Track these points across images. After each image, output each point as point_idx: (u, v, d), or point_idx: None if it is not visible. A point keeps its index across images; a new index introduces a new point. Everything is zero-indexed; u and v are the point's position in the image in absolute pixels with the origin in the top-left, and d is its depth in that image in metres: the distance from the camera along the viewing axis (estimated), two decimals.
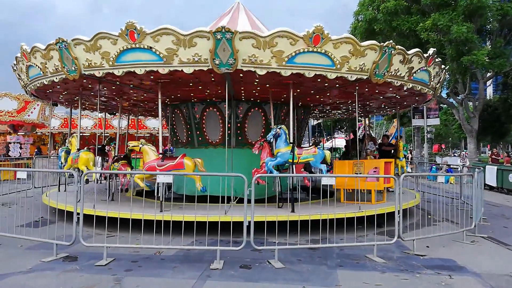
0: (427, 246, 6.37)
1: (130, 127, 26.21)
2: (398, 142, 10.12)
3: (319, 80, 7.13)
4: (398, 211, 5.84)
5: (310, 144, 12.27)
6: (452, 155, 37.14)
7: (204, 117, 10.02)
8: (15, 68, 9.17)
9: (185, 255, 5.83)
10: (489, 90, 39.91)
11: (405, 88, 7.86)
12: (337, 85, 7.96)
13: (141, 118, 21.75)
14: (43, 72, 7.92)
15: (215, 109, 9.91)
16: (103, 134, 13.36)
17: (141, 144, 8.21)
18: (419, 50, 7.61)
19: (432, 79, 8.41)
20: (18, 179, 6.64)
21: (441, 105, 28.23)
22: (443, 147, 56.92)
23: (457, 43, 18.51)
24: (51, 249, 5.68)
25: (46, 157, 18.27)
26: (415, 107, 16.62)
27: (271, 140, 7.79)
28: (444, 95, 26.10)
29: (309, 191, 8.25)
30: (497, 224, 8.65)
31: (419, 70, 7.74)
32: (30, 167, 14.59)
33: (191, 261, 5.56)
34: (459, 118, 24.41)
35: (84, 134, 23.54)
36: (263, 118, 9.82)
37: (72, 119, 27.12)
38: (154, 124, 25.33)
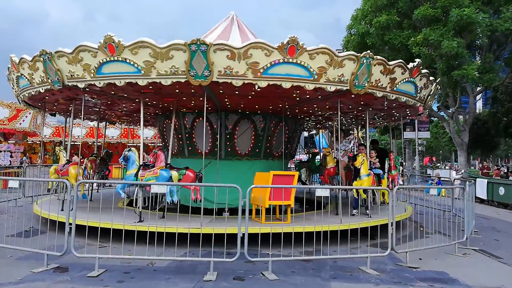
0: (420, 259, 6.40)
1: (122, 137, 26.22)
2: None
3: (298, 91, 7.10)
4: (392, 223, 5.87)
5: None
6: (444, 168, 37.50)
7: (194, 128, 10.05)
8: (8, 77, 9.17)
9: (178, 267, 5.78)
10: (479, 104, 40.52)
11: (390, 99, 7.83)
12: (320, 96, 7.96)
13: (134, 127, 21.66)
14: (30, 83, 8.03)
15: (203, 120, 9.86)
16: (95, 143, 13.29)
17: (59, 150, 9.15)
18: (402, 61, 7.62)
19: (419, 91, 8.44)
20: (10, 188, 6.56)
21: (432, 118, 28.61)
22: (434, 159, 57.50)
23: (448, 57, 18.85)
24: (41, 260, 5.59)
25: (36, 166, 18.07)
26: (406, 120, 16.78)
27: (121, 162, 7.98)
28: (435, 108, 26.48)
29: (302, 203, 8.30)
30: (488, 237, 8.72)
31: (402, 81, 7.71)
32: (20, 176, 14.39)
33: (184, 273, 5.51)
34: (449, 131, 24.73)
35: (75, 142, 23.36)
36: (253, 129, 9.84)
37: (63, 128, 26.93)
38: (147, 133, 25.25)
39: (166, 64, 6.41)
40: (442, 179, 18.57)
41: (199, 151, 9.91)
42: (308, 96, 7.93)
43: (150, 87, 7.07)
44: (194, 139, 10.06)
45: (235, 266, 5.66)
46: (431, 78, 8.96)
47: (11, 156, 17.15)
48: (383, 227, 6.89)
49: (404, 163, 29.74)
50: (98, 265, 5.41)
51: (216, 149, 9.60)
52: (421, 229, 8.32)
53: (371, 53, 6.89)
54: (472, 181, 8.81)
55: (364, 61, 6.80)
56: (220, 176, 8.52)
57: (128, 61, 6.50)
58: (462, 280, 5.46)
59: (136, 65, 6.49)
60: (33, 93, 8.10)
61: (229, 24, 10.16)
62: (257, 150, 9.97)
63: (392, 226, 5.90)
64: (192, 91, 7.56)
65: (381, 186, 8.39)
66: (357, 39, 22.87)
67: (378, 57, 7.15)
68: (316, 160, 12.37)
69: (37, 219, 8.39)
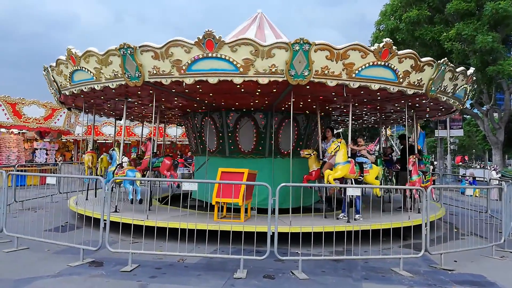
0: (455, 261, 6.19)
1: (151, 135, 26.73)
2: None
3: (379, 93, 7.24)
4: (426, 224, 5.71)
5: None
6: (477, 167, 36.16)
7: (238, 126, 9.94)
8: (46, 77, 9.32)
9: (208, 263, 5.84)
10: None
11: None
12: (387, 98, 8.08)
13: (162, 126, 22.02)
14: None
15: (249, 119, 9.82)
16: (124, 142, 13.60)
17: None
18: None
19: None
20: (48, 184, 6.81)
21: (464, 115, 27.65)
22: (466, 158, 55.60)
23: (482, 53, 18.17)
24: (77, 254, 5.78)
25: (71, 163, 18.73)
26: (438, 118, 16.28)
27: (109, 160, 8.44)
28: (468, 105, 25.57)
29: (331, 202, 8.19)
30: None
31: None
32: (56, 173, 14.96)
33: (214, 269, 5.56)
34: (484, 129, 23.83)
35: (106, 141, 24.05)
36: (296, 128, 9.78)
37: (95, 127, 27.81)
38: (175, 132, 25.66)
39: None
40: (477, 179, 17.90)
41: (242, 150, 9.91)
42: (381, 97, 8.04)
43: (113, 90, 7.42)
44: (237, 138, 9.98)
45: (265, 264, 5.66)
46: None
47: (46, 154, 17.86)
48: (413, 227, 6.72)
49: (434, 162, 28.91)
50: (131, 260, 5.53)
51: (260, 148, 9.61)
52: (455, 230, 8.06)
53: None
54: (510, 181, 8.43)
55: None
56: (264, 175, 8.52)
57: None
58: (501, 284, 5.24)
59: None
60: (97, 88, 7.65)
61: (261, 22, 10.10)
62: (298, 149, 9.86)
63: (426, 227, 5.74)
64: (274, 90, 7.42)
65: (362, 177, 7.66)
66: (386, 35, 22.36)
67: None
68: None
69: (72, 215, 8.68)
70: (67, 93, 8.28)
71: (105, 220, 5.65)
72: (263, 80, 6.48)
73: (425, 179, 8.78)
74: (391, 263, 5.90)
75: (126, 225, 6.10)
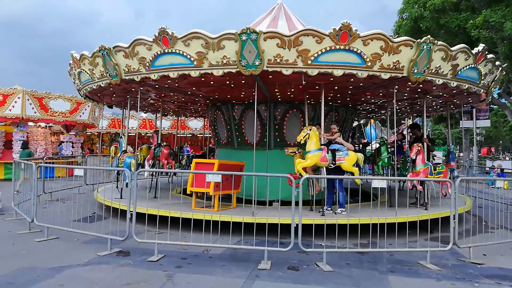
0: (484, 254, 6.04)
1: (173, 128, 27.07)
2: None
3: (351, 79, 6.85)
4: (454, 216, 5.58)
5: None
6: (505, 158, 35.03)
7: (243, 119, 10.10)
8: (69, 73, 9.73)
9: (232, 254, 5.89)
10: None
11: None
12: (374, 84, 7.63)
13: (183, 118, 22.31)
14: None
15: (253, 111, 9.91)
16: (146, 134, 13.82)
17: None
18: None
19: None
20: (75, 176, 6.99)
21: (491, 106, 26.76)
22: (492, 150, 53.94)
23: (511, 40, 17.46)
24: (105, 244, 5.93)
25: (96, 155, 19.17)
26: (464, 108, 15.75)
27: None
28: (495, 95, 24.70)
29: (355, 194, 8.10)
30: None
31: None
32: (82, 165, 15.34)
33: (238, 260, 5.60)
34: None
35: (130, 134, 24.50)
36: (302, 119, 9.70)
37: (119, 120, 28.31)
38: (196, 124, 25.89)
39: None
40: (505, 170, 17.35)
41: (248, 142, 10.01)
42: (361, 84, 7.67)
43: (203, 78, 7.16)
44: (243, 130, 10.14)
45: (289, 256, 5.66)
46: (497, 63, 8.32)
47: (72, 147, 18.32)
48: (435, 220, 6.57)
49: (458, 154, 28.14)
50: (157, 250, 5.64)
51: (265, 140, 9.62)
52: (484, 223, 7.85)
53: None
54: None
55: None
56: (269, 167, 8.55)
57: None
58: None
59: (189, 57, 6.57)
60: (94, 87, 8.52)
61: (277, 13, 10.06)
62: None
63: (454, 219, 5.61)
64: (243, 81, 7.59)
65: (334, 164, 7.32)
66: (410, 23, 21.76)
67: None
68: (367, 151, 12.01)
69: (99, 206, 8.90)
70: (136, 78, 7.67)
71: (131, 211, 5.76)
72: (218, 72, 6.56)
73: (434, 170, 8.16)
74: (418, 256, 5.80)
75: (151, 216, 6.21)
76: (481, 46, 7.32)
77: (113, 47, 7.34)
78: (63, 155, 17.48)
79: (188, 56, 6.57)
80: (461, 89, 7.49)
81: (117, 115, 27.37)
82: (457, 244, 5.72)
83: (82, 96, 10.60)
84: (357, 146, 11.21)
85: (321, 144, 7.38)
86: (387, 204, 7.56)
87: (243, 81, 7.56)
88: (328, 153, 7.32)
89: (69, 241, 6.37)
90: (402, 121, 17.30)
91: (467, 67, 7.19)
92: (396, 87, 7.63)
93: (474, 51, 7.14)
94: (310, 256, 5.72)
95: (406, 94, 8.92)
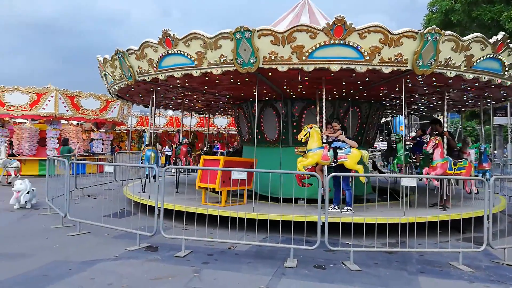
0: None
1: (199, 125, 27.40)
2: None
3: (354, 74, 6.68)
4: (488, 216, 5.37)
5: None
6: None
7: (262, 116, 10.13)
8: (100, 74, 10.07)
9: (257, 251, 5.89)
10: None
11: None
12: (382, 79, 7.38)
13: (210, 116, 22.47)
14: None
15: (271, 108, 9.92)
16: (174, 132, 14.05)
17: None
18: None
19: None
20: (106, 172, 7.19)
21: None
22: None
23: None
24: (134, 239, 6.07)
25: (125, 152, 19.65)
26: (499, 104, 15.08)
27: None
28: None
29: (381, 193, 7.94)
30: None
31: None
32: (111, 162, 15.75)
33: (264, 258, 5.60)
34: None
35: (157, 131, 24.98)
36: (320, 116, 9.58)
37: (147, 118, 28.90)
38: (222, 122, 26.08)
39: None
40: None
41: (267, 139, 10.01)
42: (367, 79, 7.43)
43: (207, 77, 7.31)
44: (262, 127, 10.14)
45: (315, 254, 5.62)
46: None
47: (102, 144, 18.86)
48: (467, 220, 6.33)
49: (491, 151, 27.00)
50: (184, 246, 5.72)
51: (284, 137, 9.59)
52: None
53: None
54: None
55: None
56: (289, 164, 8.50)
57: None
58: None
59: (189, 57, 6.74)
60: (117, 88, 8.96)
61: (301, 8, 9.95)
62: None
63: (488, 219, 5.40)
64: (246, 79, 7.63)
65: (335, 162, 7.15)
66: (440, 16, 21.11)
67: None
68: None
69: (128, 202, 9.13)
70: (147, 79, 7.91)
71: (159, 208, 5.86)
72: (217, 71, 6.66)
73: (455, 166, 7.62)
74: (449, 257, 5.63)
75: (178, 212, 6.31)
76: (500, 35, 6.85)
77: (127, 50, 7.68)
78: (93, 152, 18.03)
79: (189, 56, 6.75)
80: (482, 81, 7.08)
81: (145, 113, 27.93)
82: (491, 245, 5.51)
83: (113, 96, 10.96)
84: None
85: (323, 142, 7.30)
86: (416, 203, 7.37)
87: (246, 79, 7.59)
88: (329, 151, 7.20)
89: (100, 236, 6.56)
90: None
91: (485, 57, 6.74)
92: (408, 80, 7.33)
93: (491, 40, 6.68)
94: (337, 255, 5.66)
95: (426, 89, 8.59)
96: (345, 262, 5.36)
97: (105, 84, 10.16)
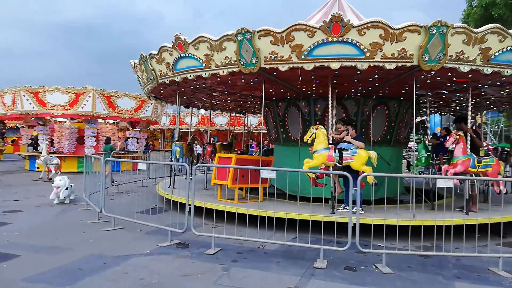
0: None
1: (229, 124, 27.61)
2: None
3: (358, 72, 6.49)
4: None
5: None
6: None
7: (286, 115, 10.11)
8: (138, 77, 10.38)
9: (286, 251, 5.86)
10: None
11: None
12: (393, 75, 7.08)
13: (240, 115, 22.63)
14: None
15: (295, 107, 9.85)
16: (206, 131, 14.25)
17: None
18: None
19: None
20: (139, 170, 7.39)
21: None
22: None
23: None
24: (165, 235, 6.19)
25: (158, 150, 20.13)
26: None
27: None
28: None
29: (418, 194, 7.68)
30: None
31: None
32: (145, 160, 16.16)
33: (293, 258, 5.56)
34: None
35: (188, 130, 25.45)
36: (344, 115, 9.36)
37: (180, 117, 29.45)
38: (252, 121, 26.18)
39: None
40: None
41: (292, 138, 9.96)
42: (377, 76, 7.16)
43: (218, 78, 7.45)
44: (287, 127, 10.10)
45: (345, 255, 5.51)
46: None
47: (137, 142, 19.41)
48: (508, 224, 6.00)
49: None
50: (214, 243, 5.77)
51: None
52: None
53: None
54: None
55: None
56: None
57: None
58: None
59: (199, 59, 7.02)
60: (147, 89, 9.39)
61: (330, 8, 9.78)
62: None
63: None
64: (256, 79, 7.70)
65: (339, 163, 7.00)
66: (480, 11, 20.13)
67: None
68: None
69: (160, 198, 9.34)
70: (167, 81, 8.25)
71: (189, 205, 5.95)
72: (223, 72, 6.88)
73: (478, 163, 7.13)
74: (488, 262, 5.36)
75: (208, 209, 6.38)
76: None
77: (148, 55, 8.15)
78: (129, 150, 18.58)
79: (198, 59, 7.01)
80: (506, 75, 6.57)
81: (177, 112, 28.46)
82: None
83: (148, 97, 11.43)
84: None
85: (330, 143, 7.26)
86: (453, 206, 7.08)
87: (256, 79, 7.69)
88: (335, 152, 7.11)
89: (133, 232, 6.75)
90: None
91: (505, 49, 6.28)
92: (422, 76, 6.96)
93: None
94: (368, 257, 5.53)
95: (450, 84, 8.15)
96: (377, 264, 5.23)
97: (140, 86, 10.56)
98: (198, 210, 6.27)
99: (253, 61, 6.46)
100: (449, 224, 5.32)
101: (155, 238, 6.30)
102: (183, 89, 9.25)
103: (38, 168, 15.93)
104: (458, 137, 7.18)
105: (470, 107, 7.73)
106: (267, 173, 6.15)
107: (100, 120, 18.07)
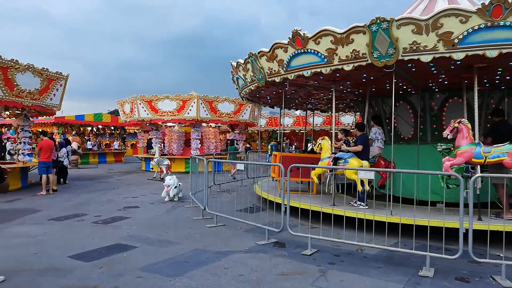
0: None
1: (325, 124, 27.21)
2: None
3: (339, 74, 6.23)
4: None
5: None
6: None
7: (395, 111, 9.35)
8: (232, 79, 10.89)
9: (388, 257, 5.54)
10: None
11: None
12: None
13: (336, 114, 22.14)
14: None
15: (405, 102, 9.13)
16: (301, 131, 14.25)
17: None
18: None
19: None
20: (238, 170, 7.73)
21: None
22: None
23: None
24: (263, 234, 6.37)
25: (256, 151, 20.81)
26: None
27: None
28: None
29: None
30: None
31: (474, 30, 5.47)
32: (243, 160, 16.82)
33: (395, 264, 5.24)
34: None
35: (285, 131, 25.71)
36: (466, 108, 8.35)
37: (275, 118, 30.01)
38: (348, 120, 25.42)
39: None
40: None
41: (402, 136, 9.29)
42: None
43: (338, 74, 7.17)
44: (396, 124, 9.43)
45: (456, 264, 5.01)
46: None
47: (236, 144, 20.33)
48: None
49: None
50: (310, 244, 5.75)
51: (421, 134, 8.75)
52: None
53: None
54: None
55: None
56: (427, 163, 7.75)
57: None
58: None
59: (320, 54, 6.72)
60: (247, 90, 9.52)
61: None
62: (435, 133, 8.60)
63: None
64: (380, 73, 7.16)
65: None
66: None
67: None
68: None
69: (257, 198, 9.64)
70: (277, 80, 8.01)
71: (285, 205, 6.02)
72: (348, 67, 6.60)
73: (487, 152, 6.14)
74: None
75: (303, 210, 6.37)
76: None
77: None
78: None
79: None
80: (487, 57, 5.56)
81: (274, 114, 29.07)
82: None
83: (243, 99, 11.75)
84: None
85: (332, 153, 7.73)
86: None
87: (380, 73, 7.15)
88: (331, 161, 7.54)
89: (233, 229, 7.08)
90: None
91: (472, 29, 5.46)
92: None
93: (472, 9, 5.36)
94: (483, 267, 4.95)
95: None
96: (494, 276, 4.64)
97: (237, 88, 10.92)
98: (293, 210, 6.31)
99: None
100: None
101: (253, 236, 6.52)
102: (286, 88, 9.28)
103: (152, 168, 17.73)
104: (456, 125, 6.50)
105: (476, 96, 6.77)
106: (364, 174, 5.91)
107: (203, 124, 19.35)
